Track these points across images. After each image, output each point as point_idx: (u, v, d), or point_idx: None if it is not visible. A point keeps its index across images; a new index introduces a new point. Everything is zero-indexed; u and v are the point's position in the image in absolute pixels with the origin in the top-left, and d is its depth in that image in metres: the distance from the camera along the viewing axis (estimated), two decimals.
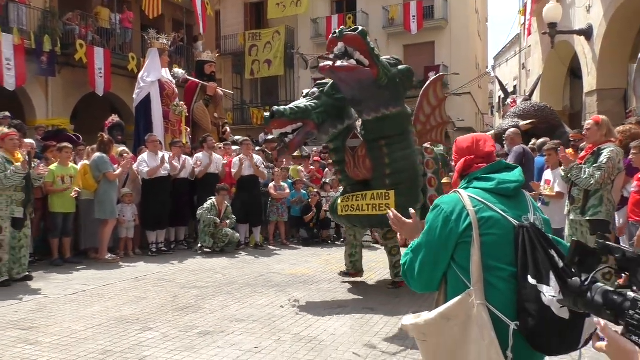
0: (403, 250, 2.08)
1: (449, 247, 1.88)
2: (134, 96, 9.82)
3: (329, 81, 5.55)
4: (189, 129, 10.32)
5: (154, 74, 9.56)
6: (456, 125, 22.63)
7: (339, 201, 5.89)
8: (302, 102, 5.52)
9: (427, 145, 6.07)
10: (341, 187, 6.19)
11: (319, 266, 7.29)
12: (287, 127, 5.30)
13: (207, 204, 8.33)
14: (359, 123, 5.67)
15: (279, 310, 4.88)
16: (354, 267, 6.30)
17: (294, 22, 25.58)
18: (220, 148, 9.48)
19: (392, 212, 2.22)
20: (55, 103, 15.16)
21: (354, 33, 4.84)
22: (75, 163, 7.79)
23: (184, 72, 10.72)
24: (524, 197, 2.00)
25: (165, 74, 9.98)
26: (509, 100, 10.82)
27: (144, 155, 8.20)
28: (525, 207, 1.94)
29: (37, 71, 14.04)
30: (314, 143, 11.42)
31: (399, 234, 2.25)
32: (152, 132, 9.05)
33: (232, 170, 8.96)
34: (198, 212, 8.31)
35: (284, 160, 10.21)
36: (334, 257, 8.08)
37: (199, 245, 8.49)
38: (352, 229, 6.21)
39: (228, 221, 8.39)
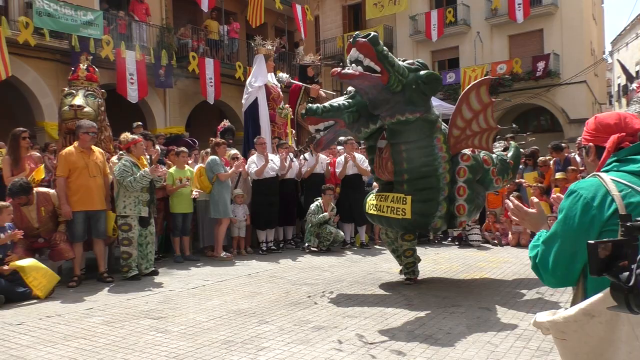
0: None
1: (589, 236, 1.71)
2: (243, 101, 10.29)
3: None
4: (294, 131, 10.60)
5: (261, 79, 9.96)
6: (570, 117, 21.12)
7: (368, 198, 6.02)
8: (337, 101, 5.55)
9: (466, 151, 5.71)
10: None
11: (428, 265, 7.13)
12: (319, 124, 5.33)
13: (313, 207, 8.49)
14: None
15: (390, 308, 4.84)
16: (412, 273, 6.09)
17: (392, 21, 25.35)
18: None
19: (512, 202, 2.09)
20: (173, 112, 16.36)
21: (364, 39, 4.87)
22: (192, 167, 8.33)
23: (288, 76, 11.03)
24: None
25: (271, 78, 10.35)
26: (634, 85, 9.86)
27: (253, 157, 8.56)
28: None
29: (156, 83, 15.23)
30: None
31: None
32: (260, 134, 9.41)
33: (337, 169, 9.06)
34: (307, 217, 8.52)
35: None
36: (442, 257, 7.89)
37: (306, 244, 8.69)
38: (383, 229, 6.20)
39: (337, 216, 8.51)
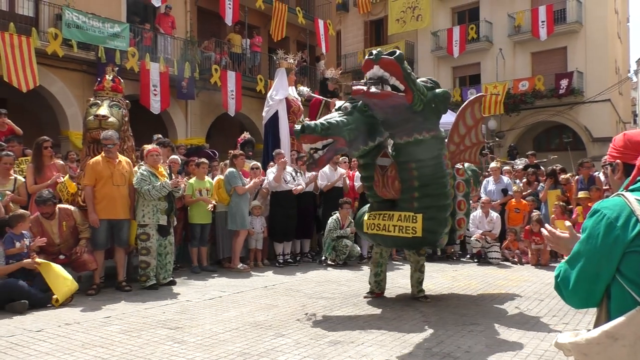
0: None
1: (613, 257, 1.68)
2: (263, 114, 10.37)
3: None
4: None
5: (282, 92, 10.04)
6: (593, 135, 20.81)
7: (365, 217, 5.78)
8: (334, 117, 5.32)
9: (459, 166, 5.78)
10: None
11: (445, 282, 7.05)
12: (317, 142, 5.07)
13: (330, 223, 8.47)
14: (390, 141, 5.48)
15: (407, 325, 4.78)
16: (378, 287, 6.11)
17: (414, 37, 25.42)
18: (344, 162, 9.63)
19: (547, 229, 2.07)
20: (194, 124, 16.56)
21: (390, 57, 4.68)
22: (212, 178, 8.40)
23: (308, 89, 11.12)
24: None
25: (292, 92, 10.43)
26: None
27: (272, 169, 8.60)
28: None
29: (179, 95, 15.44)
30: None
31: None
32: (280, 148, 9.45)
33: (356, 183, 9.05)
34: (326, 233, 8.50)
35: None
36: (461, 274, 7.79)
37: (323, 257, 8.67)
38: (378, 247, 6.06)
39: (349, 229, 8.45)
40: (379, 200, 5.74)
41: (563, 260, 1.89)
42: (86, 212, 6.24)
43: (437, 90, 5.26)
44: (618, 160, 1.88)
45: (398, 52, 4.82)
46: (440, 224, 5.43)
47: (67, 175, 6.78)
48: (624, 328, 1.61)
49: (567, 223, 2.05)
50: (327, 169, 9.15)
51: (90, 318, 5.00)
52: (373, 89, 4.74)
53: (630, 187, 1.78)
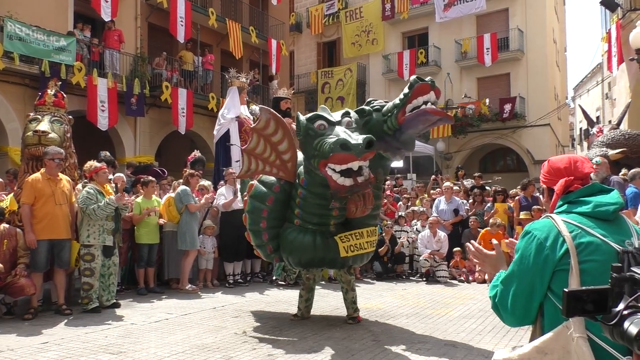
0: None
1: (544, 276, 1.78)
2: (215, 132, 10.28)
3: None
4: None
5: (234, 110, 9.98)
6: (535, 158, 21.76)
7: (339, 242, 5.34)
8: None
9: None
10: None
11: (394, 301, 7.13)
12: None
13: None
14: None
15: (357, 344, 4.80)
16: (307, 311, 6.01)
17: (366, 59, 25.97)
18: None
19: (472, 245, 2.15)
20: (143, 141, 16.16)
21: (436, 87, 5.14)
22: (160, 196, 8.21)
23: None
24: (624, 221, 1.86)
25: (244, 110, 10.39)
26: (594, 130, 10.29)
27: (222, 189, 8.51)
28: (627, 231, 1.80)
29: (128, 112, 15.07)
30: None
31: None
32: (231, 166, 9.38)
33: None
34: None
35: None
36: (409, 292, 7.90)
37: (274, 277, 8.59)
38: (310, 273, 5.96)
39: None
40: (331, 223, 5.39)
41: (494, 280, 1.97)
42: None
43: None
44: (544, 185, 2.02)
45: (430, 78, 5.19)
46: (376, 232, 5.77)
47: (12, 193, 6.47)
48: (553, 343, 1.69)
49: (495, 241, 2.15)
50: None
51: (25, 344, 4.74)
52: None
53: (559, 210, 1.89)
